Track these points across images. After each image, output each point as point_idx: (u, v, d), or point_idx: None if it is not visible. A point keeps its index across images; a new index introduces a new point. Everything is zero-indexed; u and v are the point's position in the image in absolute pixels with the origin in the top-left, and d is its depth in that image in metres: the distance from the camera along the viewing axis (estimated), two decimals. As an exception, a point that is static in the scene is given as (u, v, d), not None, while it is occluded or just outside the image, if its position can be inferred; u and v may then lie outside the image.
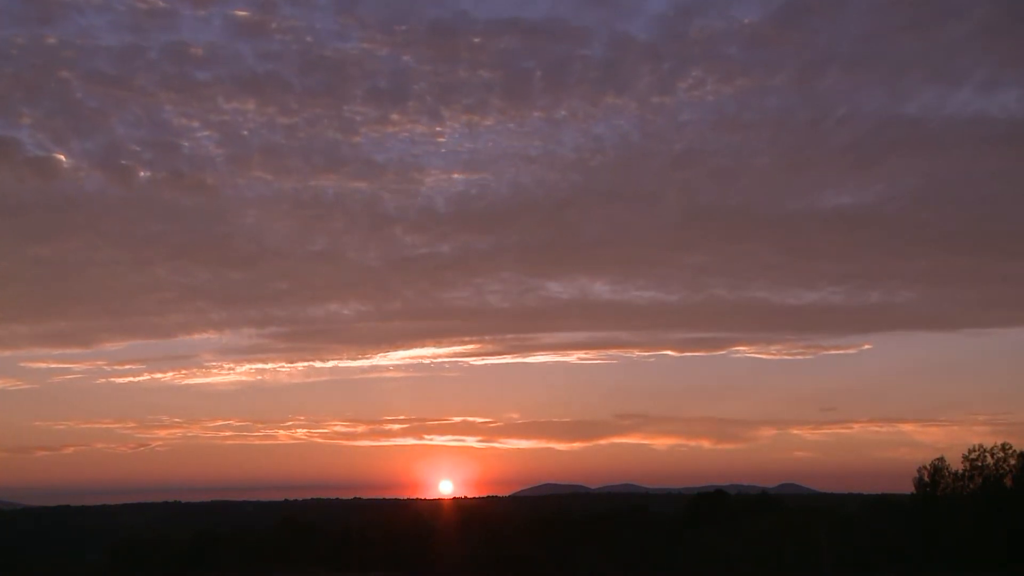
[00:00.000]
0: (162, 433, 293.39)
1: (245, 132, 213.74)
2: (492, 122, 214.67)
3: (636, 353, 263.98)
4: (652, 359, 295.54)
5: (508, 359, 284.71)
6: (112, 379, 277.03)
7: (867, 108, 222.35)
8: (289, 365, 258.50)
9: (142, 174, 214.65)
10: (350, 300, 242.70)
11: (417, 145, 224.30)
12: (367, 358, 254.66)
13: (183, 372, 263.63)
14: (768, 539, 70.03)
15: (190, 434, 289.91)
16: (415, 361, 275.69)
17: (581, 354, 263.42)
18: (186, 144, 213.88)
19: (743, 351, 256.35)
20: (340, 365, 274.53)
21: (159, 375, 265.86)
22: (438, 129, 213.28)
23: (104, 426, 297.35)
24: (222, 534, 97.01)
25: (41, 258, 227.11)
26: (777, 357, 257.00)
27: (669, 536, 76.73)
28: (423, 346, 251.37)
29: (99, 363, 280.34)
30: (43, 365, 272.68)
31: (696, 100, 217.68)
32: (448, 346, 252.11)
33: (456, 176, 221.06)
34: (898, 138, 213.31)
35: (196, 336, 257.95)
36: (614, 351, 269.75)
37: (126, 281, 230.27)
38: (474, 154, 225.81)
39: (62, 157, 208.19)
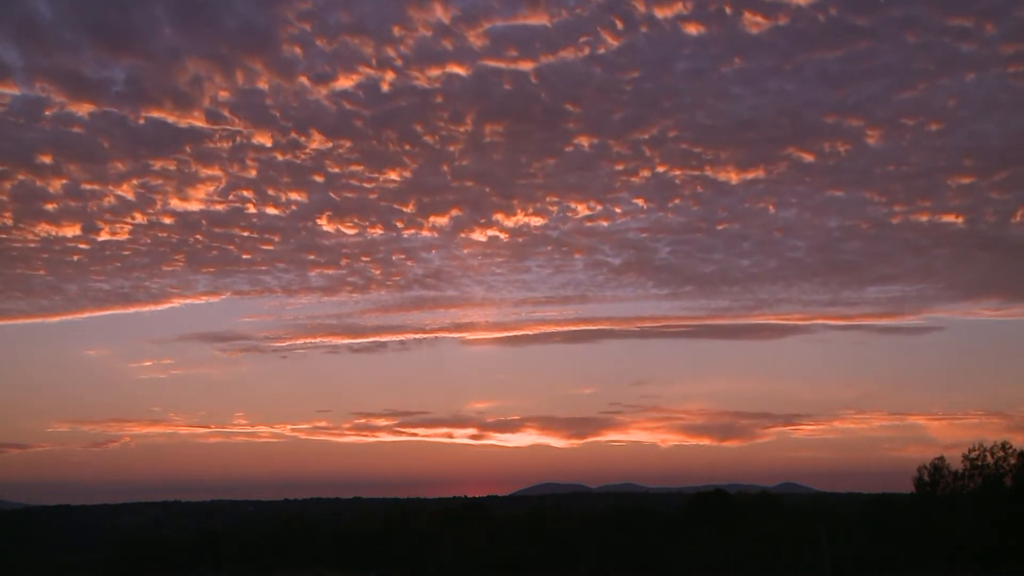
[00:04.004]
0: (138, 430, 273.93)
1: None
2: None
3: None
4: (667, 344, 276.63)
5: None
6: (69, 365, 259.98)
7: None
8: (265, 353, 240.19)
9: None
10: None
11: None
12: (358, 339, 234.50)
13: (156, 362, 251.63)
14: (768, 539, 69.99)
15: (167, 431, 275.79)
16: (400, 337, 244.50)
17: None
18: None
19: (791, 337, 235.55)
20: (326, 351, 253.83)
21: (134, 364, 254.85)
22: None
23: (69, 422, 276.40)
24: (222, 534, 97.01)
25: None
26: (824, 343, 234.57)
27: (669, 536, 76.65)
28: (404, 326, 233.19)
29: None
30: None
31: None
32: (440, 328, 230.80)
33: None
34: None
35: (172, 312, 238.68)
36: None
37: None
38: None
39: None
